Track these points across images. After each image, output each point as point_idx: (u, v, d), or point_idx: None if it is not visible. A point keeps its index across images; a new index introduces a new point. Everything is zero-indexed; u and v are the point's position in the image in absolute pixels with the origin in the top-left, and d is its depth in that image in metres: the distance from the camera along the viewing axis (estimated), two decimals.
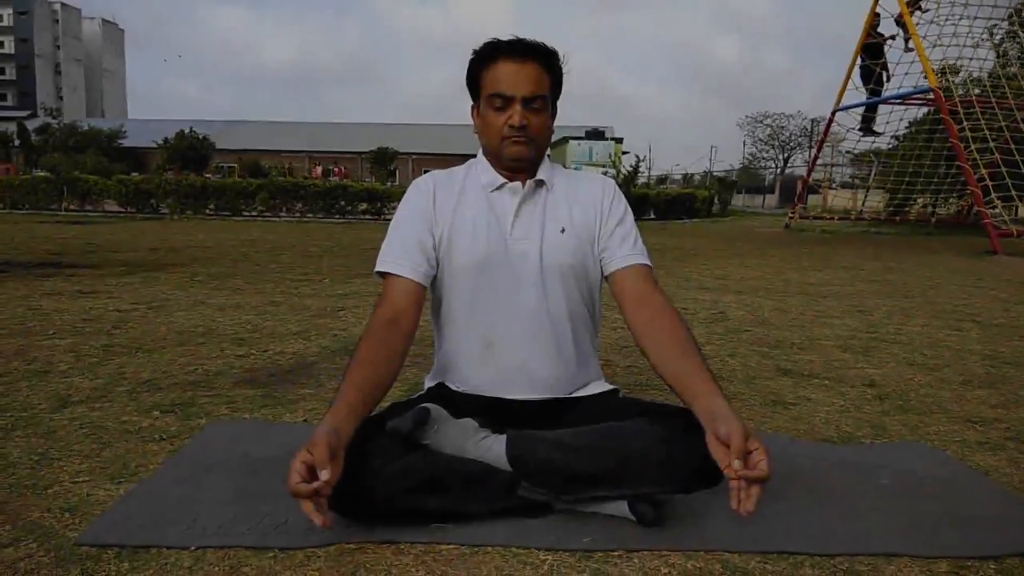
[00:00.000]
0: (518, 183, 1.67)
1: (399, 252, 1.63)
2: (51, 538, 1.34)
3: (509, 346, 1.65)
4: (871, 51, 14.28)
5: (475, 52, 1.62)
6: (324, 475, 1.22)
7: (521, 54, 1.58)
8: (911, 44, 13.39)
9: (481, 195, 1.68)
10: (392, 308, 1.57)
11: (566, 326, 1.68)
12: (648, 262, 1.70)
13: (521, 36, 1.61)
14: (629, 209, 1.76)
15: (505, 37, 1.61)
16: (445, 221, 1.66)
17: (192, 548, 1.31)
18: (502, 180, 1.67)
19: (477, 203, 1.67)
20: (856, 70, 14.66)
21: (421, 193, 1.70)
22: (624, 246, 1.69)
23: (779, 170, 56.41)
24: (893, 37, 14.18)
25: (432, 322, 1.81)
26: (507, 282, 1.64)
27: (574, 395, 1.70)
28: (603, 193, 1.74)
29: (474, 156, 1.76)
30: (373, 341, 1.51)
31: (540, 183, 1.69)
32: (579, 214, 1.70)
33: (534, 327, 1.64)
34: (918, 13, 13.03)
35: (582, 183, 1.76)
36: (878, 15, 14.22)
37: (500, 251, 1.63)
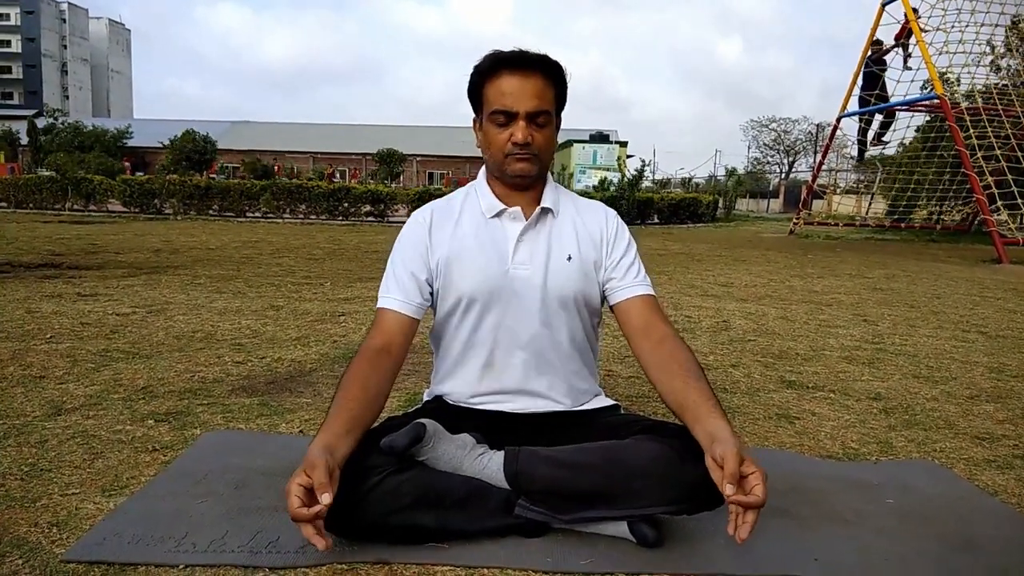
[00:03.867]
0: (518, 208, 1.64)
1: (392, 285, 1.63)
2: (38, 554, 1.31)
3: (508, 371, 1.63)
4: (868, 82, 14.30)
5: (477, 65, 1.58)
6: (326, 499, 1.20)
7: (525, 67, 1.54)
8: (910, 63, 13.48)
9: (480, 221, 1.66)
10: (382, 338, 1.57)
11: (567, 353, 1.67)
12: (652, 292, 1.68)
13: (523, 39, 1.57)
14: (632, 239, 1.74)
15: (507, 48, 1.57)
16: (441, 250, 1.64)
17: (181, 567, 1.29)
18: (501, 206, 1.65)
19: (475, 229, 1.65)
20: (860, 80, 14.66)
21: (418, 224, 1.69)
22: (628, 276, 1.67)
23: (783, 175, 56.38)
24: (890, 56, 14.26)
25: (431, 344, 1.79)
26: (508, 309, 1.61)
27: (574, 409, 1.68)
28: (607, 222, 1.72)
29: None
30: (363, 364, 1.50)
31: (546, 210, 1.66)
32: (585, 242, 1.67)
33: (534, 353, 1.63)
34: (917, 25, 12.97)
35: (586, 211, 1.74)
36: (879, 41, 14.25)
37: (500, 277, 1.61)
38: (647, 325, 1.60)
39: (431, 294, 1.66)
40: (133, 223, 12.95)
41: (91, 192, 16.43)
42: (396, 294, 1.61)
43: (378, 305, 1.63)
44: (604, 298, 1.70)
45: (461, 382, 1.67)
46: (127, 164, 33.96)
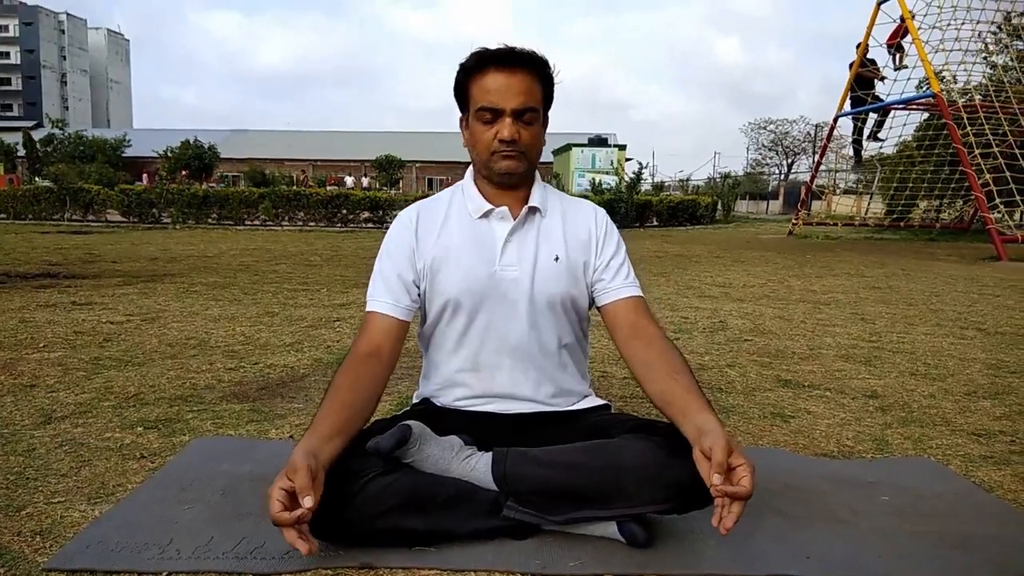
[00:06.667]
0: (505, 208, 1.62)
1: (380, 288, 1.61)
2: (20, 563, 1.29)
3: (497, 372, 1.62)
4: (861, 82, 14.37)
5: (463, 62, 1.56)
6: (308, 502, 1.19)
7: (511, 64, 1.52)
8: (906, 61, 13.57)
9: (466, 221, 1.64)
10: (370, 342, 1.55)
11: (555, 355, 1.65)
12: (641, 293, 1.66)
13: (517, 41, 1.55)
14: (621, 240, 1.72)
15: (494, 45, 1.55)
16: (428, 251, 1.62)
17: (164, 573, 1.27)
18: (488, 207, 1.63)
19: (461, 230, 1.63)
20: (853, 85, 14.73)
21: (403, 225, 1.67)
22: (618, 279, 1.65)
23: (783, 176, 56.30)
24: (881, 72, 14.34)
25: (420, 344, 1.77)
26: (495, 309, 1.60)
27: (563, 409, 1.66)
28: (596, 223, 1.70)
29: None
30: (352, 369, 1.49)
31: (534, 210, 1.64)
32: (573, 243, 1.65)
33: (522, 354, 1.61)
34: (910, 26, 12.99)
35: (575, 210, 1.72)
36: (869, 46, 14.33)
37: (487, 278, 1.59)
38: (636, 327, 1.59)
39: (419, 295, 1.64)
40: (132, 232, 12.95)
41: (89, 202, 16.43)
42: (384, 297, 1.59)
43: (367, 309, 1.61)
44: (592, 299, 1.68)
45: (449, 384, 1.65)
46: (145, 175, 33.93)
